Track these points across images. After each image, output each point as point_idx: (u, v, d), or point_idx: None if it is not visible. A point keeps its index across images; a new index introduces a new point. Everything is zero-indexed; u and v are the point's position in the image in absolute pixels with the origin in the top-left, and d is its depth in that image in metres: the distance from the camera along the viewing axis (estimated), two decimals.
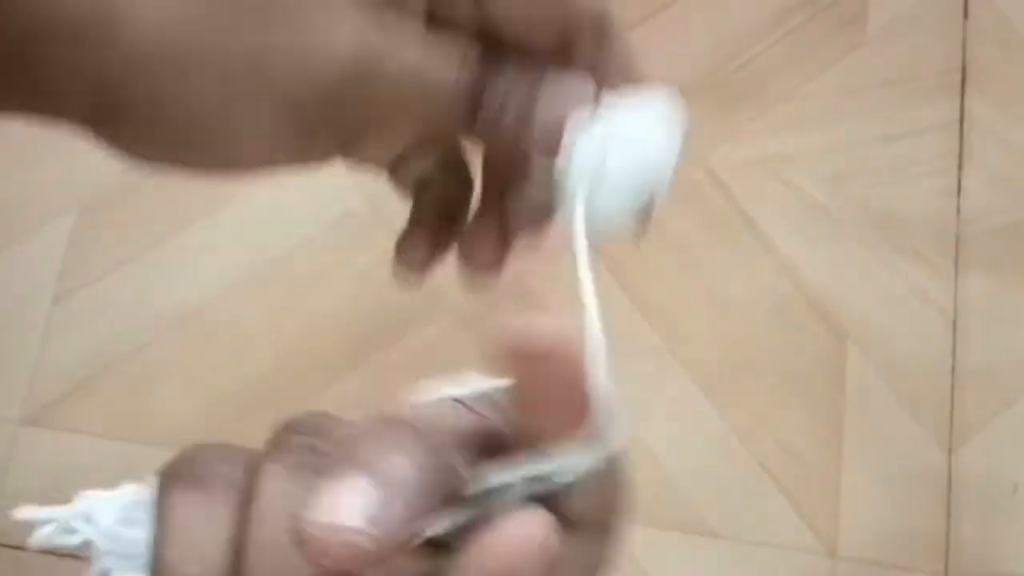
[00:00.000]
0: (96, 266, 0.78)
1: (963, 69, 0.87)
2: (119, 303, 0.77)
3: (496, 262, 0.28)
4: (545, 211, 0.26)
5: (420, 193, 0.30)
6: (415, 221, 0.30)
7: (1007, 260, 0.81)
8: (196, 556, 0.21)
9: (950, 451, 0.76)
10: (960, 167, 0.84)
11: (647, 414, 0.76)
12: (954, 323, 0.79)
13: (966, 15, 0.88)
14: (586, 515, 0.21)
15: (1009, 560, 0.74)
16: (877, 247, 0.81)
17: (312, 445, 0.23)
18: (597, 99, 0.25)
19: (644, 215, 0.26)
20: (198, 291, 0.77)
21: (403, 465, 0.19)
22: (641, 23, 0.87)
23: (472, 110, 0.24)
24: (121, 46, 0.22)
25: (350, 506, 0.18)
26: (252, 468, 0.22)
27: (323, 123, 0.25)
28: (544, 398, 0.20)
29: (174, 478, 0.22)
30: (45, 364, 0.75)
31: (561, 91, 0.25)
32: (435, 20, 0.26)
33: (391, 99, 0.24)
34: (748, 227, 0.81)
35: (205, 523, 0.21)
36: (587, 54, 0.26)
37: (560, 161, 0.25)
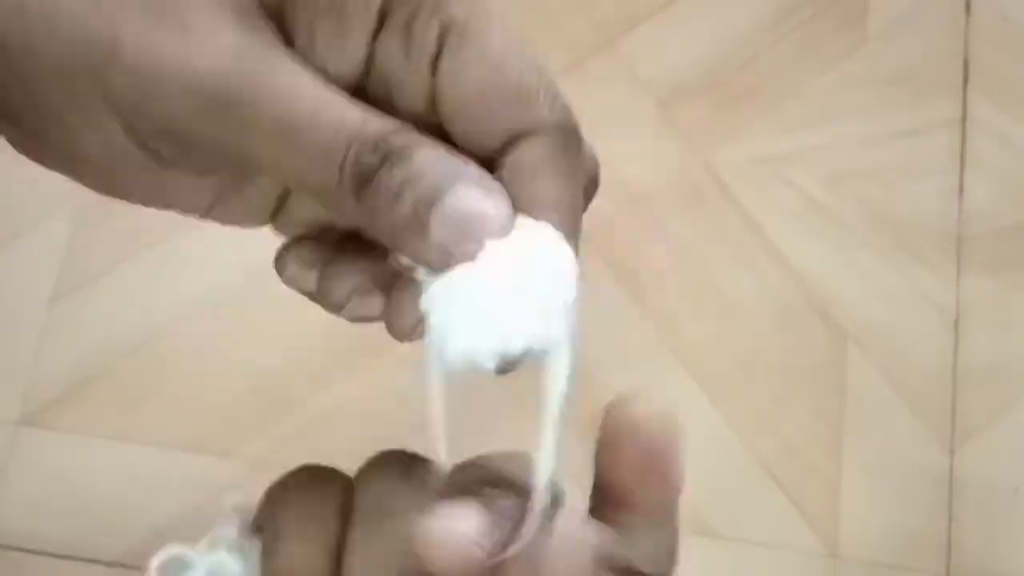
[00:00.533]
0: (94, 267, 0.77)
1: (965, 68, 0.87)
2: (117, 304, 0.77)
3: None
4: (412, 315, 0.24)
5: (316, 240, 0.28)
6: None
7: (1009, 261, 0.81)
8: None
9: (951, 452, 0.76)
10: (962, 167, 0.84)
11: None
12: (955, 324, 0.79)
13: (968, 13, 0.88)
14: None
15: (1010, 561, 0.74)
16: (878, 247, 0.81)
17: (412, 471, 0.24)
18: (505, 226, 0.22)
19: (511, 360, 0.23)
20: (196, 292, 0.77)
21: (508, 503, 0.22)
22: (643, 21, 0.87)
23: (360, 183, 0.20)
24: None
25: (467, 518, 0.21)
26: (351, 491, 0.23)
27: (167, 151, 0.21)
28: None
29: (277, 514, 0.24)
30: (43, 365, 0.75)
31: (468, 202, 0.21)
32: (369, 71, 0.22)
33: (253, 144, 0.20)
34: (749, 227, 0.81)
35: (308, 557, 0.23)
36: (530, 167, 0.22)
37: (436, 285, 0.22)
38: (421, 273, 0.22)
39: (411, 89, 0.22)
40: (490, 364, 0.22)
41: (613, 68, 0.85)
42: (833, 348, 0.78)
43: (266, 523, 0.24)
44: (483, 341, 0.22)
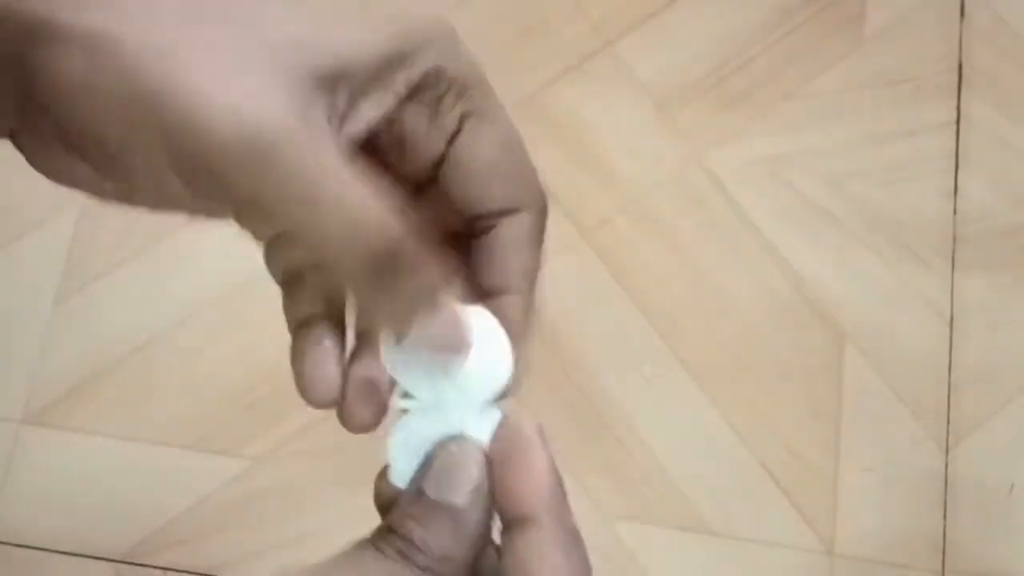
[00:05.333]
0: (98, 267, 0.78)
1: (960, 70, 0.87)
2: (120, 304, 0.77)
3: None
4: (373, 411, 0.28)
5: (292, 284, 0.30)
6: (306, 324, 0.30)
7: (1004, 261, 0.82)
8: None
9: (947, 451, 0.76)
10: (957, 168, 0.84)
11: (648, 414, 0.76)
12: (951, 323, 0.80)
13: (963, 16, 0.89)
14: None
15: (1005, 559, 0.74)
16: (875, 247, 0.81)
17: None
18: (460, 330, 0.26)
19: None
20: (198, 291, 0.78)
21: None
22: (641, 23, 0.87)
23: (375, 271, 0.23)
24: (40, 51, 0.22)
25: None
26: None
27: (210, 192, 0.23)
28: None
29: None
30: (46, 364, 0.75)
31: (447, 327, 0.25)
32: (378, 161, 0.26)
33: (285, 200, 0.22)
34: (747, 227, 0.82)
35: None
36: (516, 240, 0.27)
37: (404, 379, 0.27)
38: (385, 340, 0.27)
39: (424, 153, 0.26)
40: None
41: (612, 70, 0.86)
42: (830, 348, 0.79)
43: None
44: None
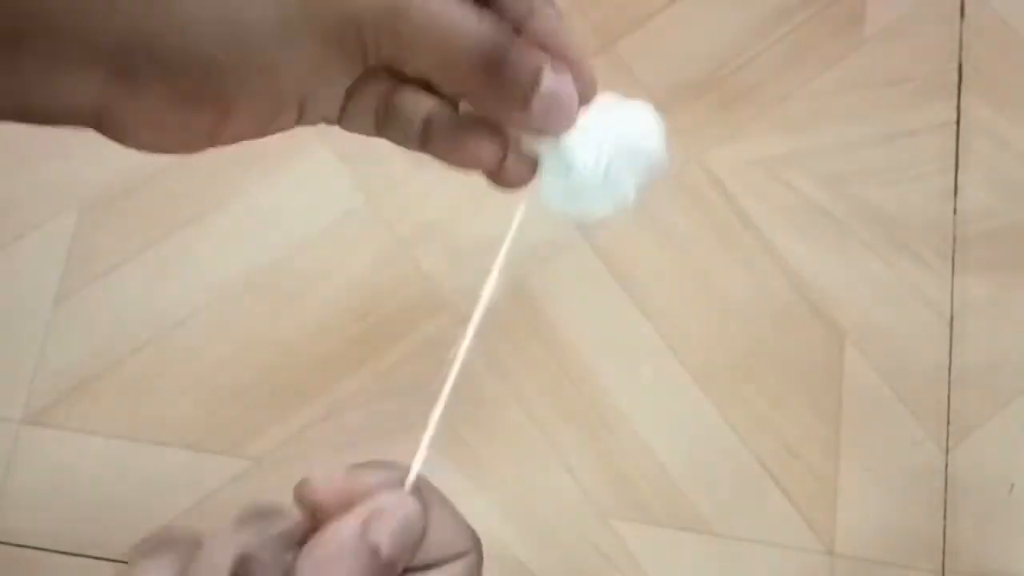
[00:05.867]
0: (97, 266, 0.78)
1: (959, 70, 0.87)
2: (120, 303, 0.77)
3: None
4: (529, 171, 0.31)
5: (428, 128, 0.32)
6: (459, 132, 0.32)
7: (1004, 261, 0.82)
8: None
9: (947, 450, 0.76)
10: (957, 168, 0.84)
11: (647, 414, 0.76)
12: (951, 323, 0.80)
13: (963, 17, 0.89)
14: None
15: (1005, 558, 0.74)
16: (875, 247, 0.81)
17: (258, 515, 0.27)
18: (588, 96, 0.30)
19: (623, 200, 0.30)
20: (198, 291, 0.78)
21: None
22: (641, 23, 0.87)
23: (487, 67, 0.27)
24: None
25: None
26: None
27: (351, 44, 0.27)
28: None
29: (136, 553, 0.26)
30: (47, 364, 0.75)
31: (566, 79, 0.28)
32: None
33: (415, 40, 0.27)
34: (747, 227, 0.82)
35: None
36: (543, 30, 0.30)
37: (558, 139, 0.29)
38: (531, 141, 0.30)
39: None
40: (610, 206, 0.30)
41: (612, 70, 0.86)
42: (830, 347, 0.79)
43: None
44: (605, 187, 0.30)
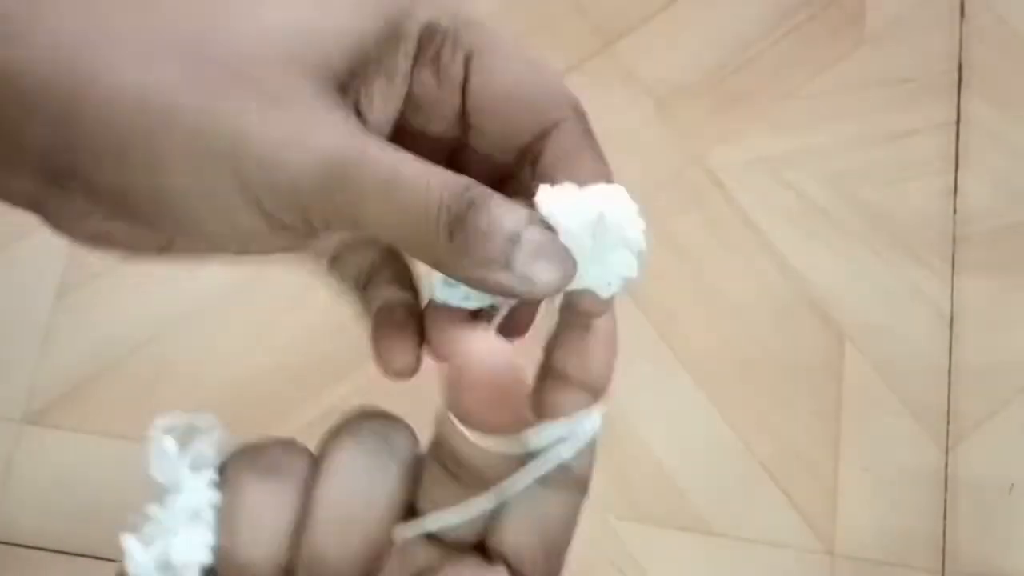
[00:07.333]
0: (97, 267, 0.78)
1: (959, 69, 0.87)
2: (120, 303, 0.77)
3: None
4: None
5: (365, 287, 0.30)
6: (380, 323, 0.29)
7: (1004, 261, 0.82)
8: (262, 539, 0.23)
9: (947, 450, 0.76)
10: (957, 168, 0.84)
11: (647, 414, 0.76)
12: (951, 323, 0.80)
13: (963, 16, 0.89)
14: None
15: (1005, 558, 0.74)
16: (875, 247, 0.81)
17: (385, 434, 0.25)
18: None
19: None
20: (198, 291, 0.78)
21: None
22: (641, 23, 0.87)
23: (453, 227, 0.23)
24: (90, 107, 0.22)
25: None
26: (313, 458, 0.24)
27: (291, 220, 0.24)
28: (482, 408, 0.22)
29: (243, 469, 0.24)
30: (47, 364, 0.75)
31: (538, 236, 0.23)
32: (406, 133, 0.26)
33: (363, 209, 0.23)
34: (747, 227, 0.82)
35: (272, 510, 0.23)
36: (569, 150, 0.25)
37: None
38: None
39: (444, 112, 0.26)
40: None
41: (612, 70, 0.86)
42: (830, 347, 0.79)
43: (228, 479, 0.25)
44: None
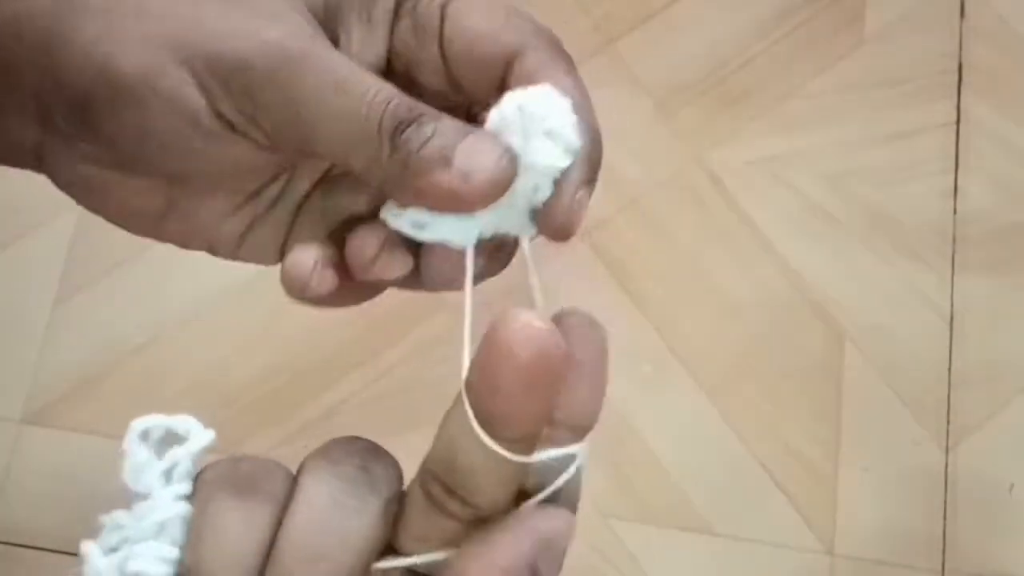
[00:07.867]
0: (97, 267, 0.78)
1: (959, 70, 0.87)
2: (121, 303, 0.77)
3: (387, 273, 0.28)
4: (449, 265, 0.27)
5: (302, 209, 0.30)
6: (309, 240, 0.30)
7: (1004, 261, 0.82)
8: (227, 562, 0.22)
9: (947, 450, 0.76)
10: (957, 168, 0.84)
11: (648, 414, 0.76)
12: (951, 323, 0.80)
13: (963, 16, 0.89)
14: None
15: (1005, 558, 0.74)
16: (875, 247, 0.81)
17: (367, 465, 0.23)
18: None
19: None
20: (198, 291, 0.78)
21: None
22: (641, 23, 0.87)
23: (396, 131, 0.24)
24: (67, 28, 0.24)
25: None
26: (293, 480, 0.23)
27: (244, 121, 0.25)
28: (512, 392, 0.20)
29: (216, 484, 0.23)
30: (46, 364, 0.75)
31: (481, 143, 0.24)
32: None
33: (308, 110, 0.24)
34: (747, 227, 0.82)
35: (241, 532, 0.22)
36: (527, 69, 0.26)
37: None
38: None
39: (427, 66, 0.26)
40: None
41: (612, 70, 0.86)
42: (831, 348, 0.79)
43: (200, 494, 0.24)
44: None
